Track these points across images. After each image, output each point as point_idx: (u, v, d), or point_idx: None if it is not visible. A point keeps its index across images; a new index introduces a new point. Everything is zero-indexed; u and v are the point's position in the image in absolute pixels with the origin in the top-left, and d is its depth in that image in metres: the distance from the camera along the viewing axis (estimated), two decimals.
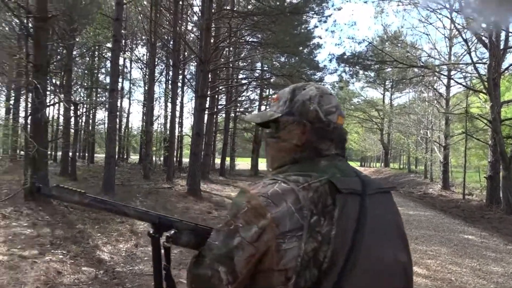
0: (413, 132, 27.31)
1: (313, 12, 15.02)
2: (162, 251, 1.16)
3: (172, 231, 1.13)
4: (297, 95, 1.12)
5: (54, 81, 17.20)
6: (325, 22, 17.69)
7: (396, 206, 1.12)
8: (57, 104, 20.79)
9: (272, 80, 21.91)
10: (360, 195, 0.99)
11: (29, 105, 9.35)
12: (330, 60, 19.61)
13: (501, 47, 12.25)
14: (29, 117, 9.17)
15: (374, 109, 39.16)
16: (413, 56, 16.83)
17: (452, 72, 17.09)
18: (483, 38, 12.53)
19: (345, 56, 17.33)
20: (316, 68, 19.92)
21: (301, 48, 19.61)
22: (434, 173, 24.32)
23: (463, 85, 15.14)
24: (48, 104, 11.19)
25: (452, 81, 18.35)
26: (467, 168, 18.09)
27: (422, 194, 19.24)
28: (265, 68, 23.67)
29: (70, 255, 5.49)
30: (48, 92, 11.92)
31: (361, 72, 21.26)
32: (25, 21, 10.84)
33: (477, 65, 12.96)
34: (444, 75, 17.44)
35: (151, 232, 1.14)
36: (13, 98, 22.56)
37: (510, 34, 12.41)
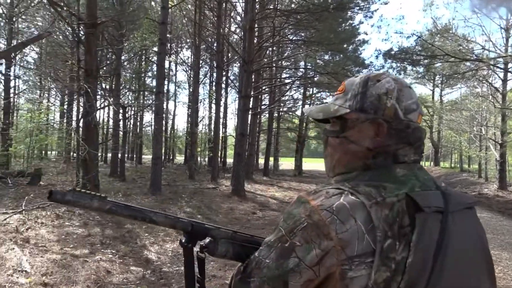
0: (465, 129, 25.99)
1: (358, 8, 14.63)
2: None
3: (207, 240, 1.00)
4: (370, 88, 0.93)
5: (103, 85, 17.85)
6: (370, 17, 17.22)
7: (481, 224, 0.94)
8: (106, 107, 21.60)
9: (316, 78, 21.61)
10: (442, 213, 0.82)
11: (81, 108, 9.73)
12: (377, 57, 19.11)
13: None
14: (81, 120, 9.53)
15: (422, 106, 37.66)
16: (465, 49, 15.97)
17: (510, 65, 16.06)
18: None
19: (392, 52, 16.77)
20: (362, 65, 19.38)
21: (345, 45, 19.16)
22: (489, 172, 23.05)
23: None
24: (98, 107, 11.60)
25: (509, 75, 17.25)
26: None
27: (476, 194, 18.24)
28: (308, 67, 23.37)
29: (119, 254, 5.60)
30: (98, 96, 12.38)
31: (409, 67, 20.47)
32: (76, 28, 11.29)
33: None
34: (500, 68, 16.44)
35: (183, 241, 1.01)
36: (66, 102, 23.72)
37: None
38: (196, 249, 1.02)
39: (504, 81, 18.78)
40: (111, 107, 17.90)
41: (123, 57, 18.70)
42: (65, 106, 22.40)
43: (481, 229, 0.92)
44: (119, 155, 16.40)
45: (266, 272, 0.83)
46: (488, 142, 22.03)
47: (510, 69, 15.99)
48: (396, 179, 0.85)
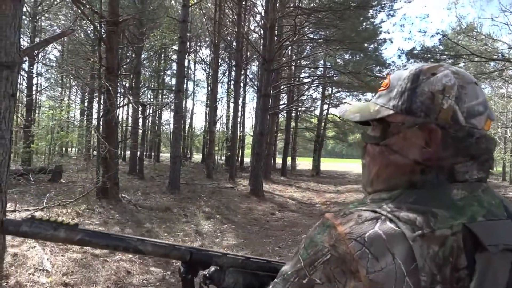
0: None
1: (380, 6, 14.36)
2: None
3: (212, 269, 0.87)
4: (422, 83, 0.72)
5: (124, 83, 17.97)
6: (393, 16, 16.88)
7: None
8: (126, 106, 21.76)
9: (335, 78, 21.39)
10: None
11: (102, 106, 9.79)
12: (399, 56, 18.69)
13: None
14: (101, 118, 9.56)
15: None
16: (491, 48, 15.53)
17: None
18: None
19: (415, 51, 16.42)
20: (383, 65, 19.07)
21: (366, 44, 18.88)
22: None
23: None
24: (118, 105, 11.63)
25: None
26: None
27: None
28: (328, 66, 23.12)
29: (139, 255, 5.54)
30: (118, 94, 12.42)
31: None
32: (98, 26, 11.35)
33: None
34: None
35: (181, 271, 0.88)
36: (87, 100, 24.02)
37: None
38: (198, 279, 0.89)
39: None
40: (130, 105, 18.01)
41: (143, 56, 18.80)
42: (86, 104, 22.68)
43: None
44: (138, 153, 16.47)
45: None
46: None
47: None
48: (451, 203, 0.65)
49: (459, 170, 0.70)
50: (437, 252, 0.59)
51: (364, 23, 18.46)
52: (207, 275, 0.86)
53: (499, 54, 15.24)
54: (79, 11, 10.62)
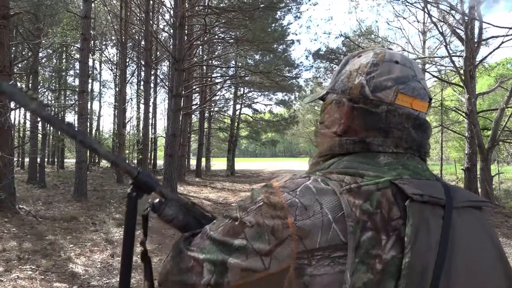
0: None
1: (288, 8, 14.80)
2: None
3: (156, 200, 0.85)
4: (347, 65, 0.81)
5: (19, 84, 16.40)
6: (299, 18, 17.57)
7: (494, 230, 0.75)
8: (21, 108, 19.90)
9: (247, 78, 21.67)
10: (444, 208, 0.65)
11: None
12: (306, 57, 19.51)
13: (475, 40, 12.35)
14: None
15: None
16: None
17: (426, 66, 17.29)
18: (458, 31, 12.62)
19: (321, 52, 17.25)
20: (292, 65, 19.73)
21: (275, 45, 19.38)
22: None
23: (439, 78, 15.29)
24: (12, 107, 10.56)
25: (427, 75, 18.55)
26: (443, 161, 18.34)
27: None
28: (239, 66, 23.36)
29: (40, 270, 5.04)
30: None
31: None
32: None
33: (452, 58, 13.03)
34: None
35: (128, 191, 0.84)
36: None
37: (483, 27, 12.53)
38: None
39: None
40: None
41: (41, 54, 17.36)
42: None
43: (495, 236, 0.74)
44: (38, 159, 15.13)
45: (207, 244, 0.70)
46: None
47: (427, 69, 17.17)
48: (377, 166, 0.70)
49: (373, 143, 0.73)
50: (363, 203, 0.61)
51: (273, 24, 18.93)
52: (153, 203, 0.85)
53: None
54: None
